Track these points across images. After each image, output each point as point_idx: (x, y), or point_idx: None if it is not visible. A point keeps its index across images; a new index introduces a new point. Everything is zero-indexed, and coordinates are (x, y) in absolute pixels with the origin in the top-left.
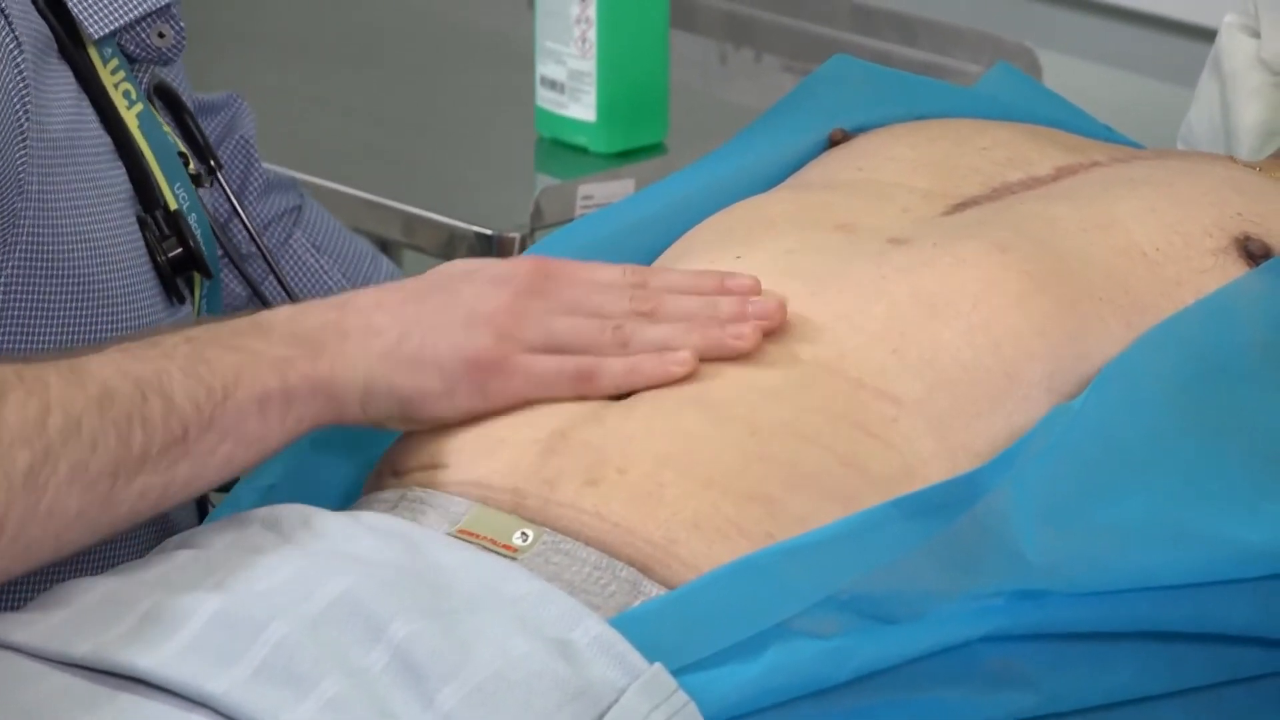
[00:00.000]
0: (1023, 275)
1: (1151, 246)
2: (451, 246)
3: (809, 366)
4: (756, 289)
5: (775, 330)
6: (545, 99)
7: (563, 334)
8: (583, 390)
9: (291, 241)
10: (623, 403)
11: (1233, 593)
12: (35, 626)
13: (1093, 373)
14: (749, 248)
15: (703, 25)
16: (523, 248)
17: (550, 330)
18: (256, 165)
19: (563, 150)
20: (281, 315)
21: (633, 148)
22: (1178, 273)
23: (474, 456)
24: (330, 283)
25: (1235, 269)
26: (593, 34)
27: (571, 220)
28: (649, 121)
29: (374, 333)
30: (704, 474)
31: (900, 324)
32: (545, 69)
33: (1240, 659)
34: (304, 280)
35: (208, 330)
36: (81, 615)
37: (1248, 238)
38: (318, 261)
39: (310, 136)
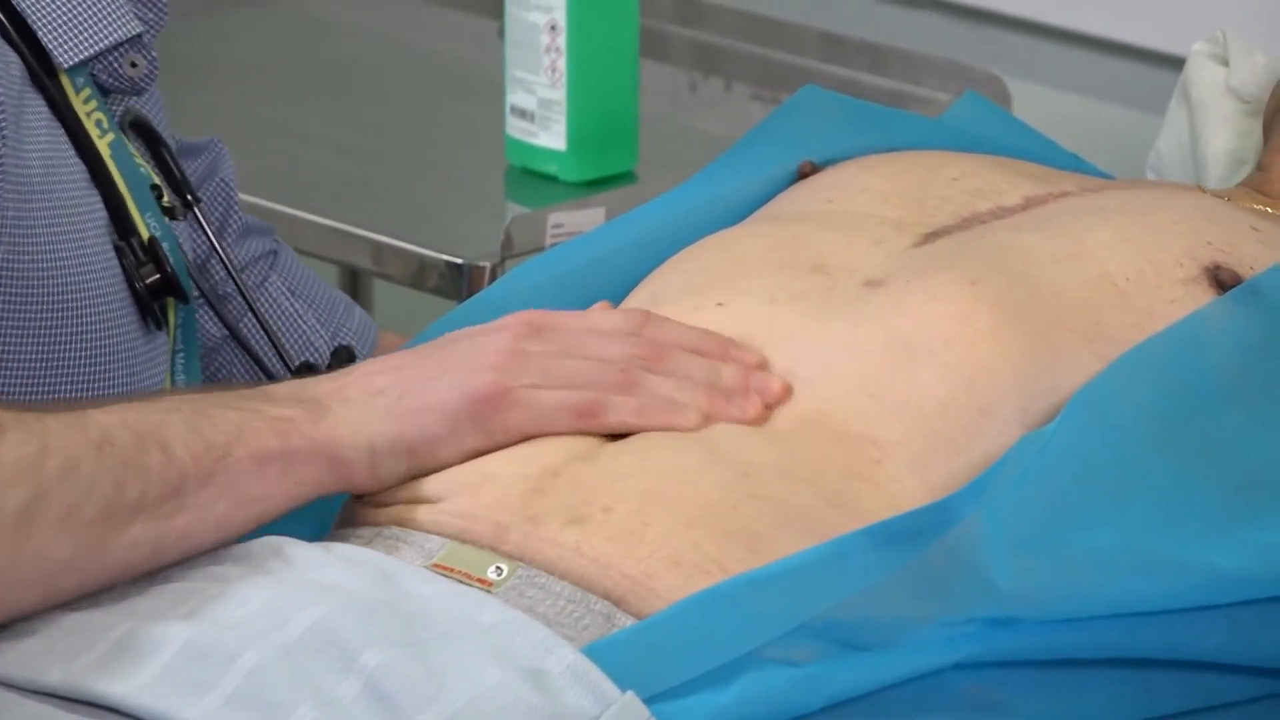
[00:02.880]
0: (994, 308)
1: (1123, 277)
2: (422, 275)
3: (796, 420)
4: (760, 363)
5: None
6: (515, 128)
7: (564, 374)
8: (587, 425)
9: (268, 285)
10: (618, 442)
11: (1205, 619)
12: (4, 655)
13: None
14: (730, 294)
15: (672, 54)
16: (493, 277)
17: (553, 370)
18: (235, 209)
19: (533, 179)
20: (285, 385)
21: (603, 176)
22: (1149, 303)
23: (459, 490)
24: (305, 327)
25: (1206, 298)
26: (562, 63)
27: (542, 249)
28: (619, 150)
29: (375, 392)
30: (689, 513)
31: (877, 372)
32: (515, 98)
33: (1214, 686)
34: (280, 324)
35: (214, 393)
36: (51, 643)
37: (1218, 267)
38: (293, 306)
39: (280, 166)
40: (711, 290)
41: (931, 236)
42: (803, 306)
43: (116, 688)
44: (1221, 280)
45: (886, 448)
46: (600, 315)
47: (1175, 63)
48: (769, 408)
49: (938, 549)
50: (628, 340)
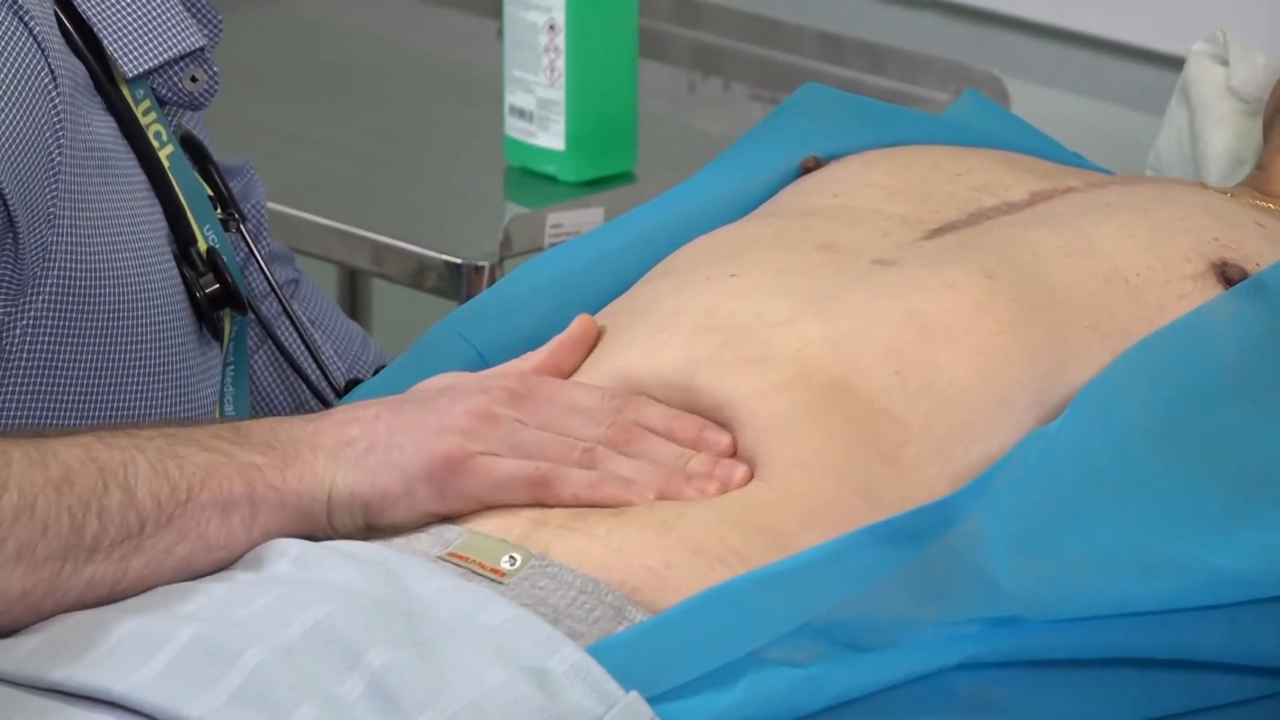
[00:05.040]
0: (1011, 303)
1: (1133, 272)
2: (421, 275)
3: (823, 389)
4: (730, 450)
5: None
6: (514, 128)
7: (530, 446)
8: (540, 497)
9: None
10: None
11: (1206, 619)
12: (8, 653)
13: None
14: (741, 266)
15: (671, 54)
16: (492, 277)
17: (519, 440)
18: (264, 233)
19: (532, 179)
20: (262, 424)
21: (602, 176)
22: (1159, 298)
23: None
24: (323, 357)
25: (1214, 294)
26: (561, 63)
27: (541, 249)
28: (618, 150)
29: (345, 443)
30: (722, 509)
31: (899, 345)
32: (514, 98)
33: (1213, 686)
34: (299, 353)
35: (187, 428)
36: (56, 641)
37: (1225, 263)
38: (312, 336)
39: (279, 167)
40: (722, 263)
41: (938, 232)
42: (813, 276)
43: (120, 684)
44: (1229, 276)
45: (912, 430)
46: (581, 390)
47: (1175, 63)
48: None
49: (939, 548)
50: (601, 419)
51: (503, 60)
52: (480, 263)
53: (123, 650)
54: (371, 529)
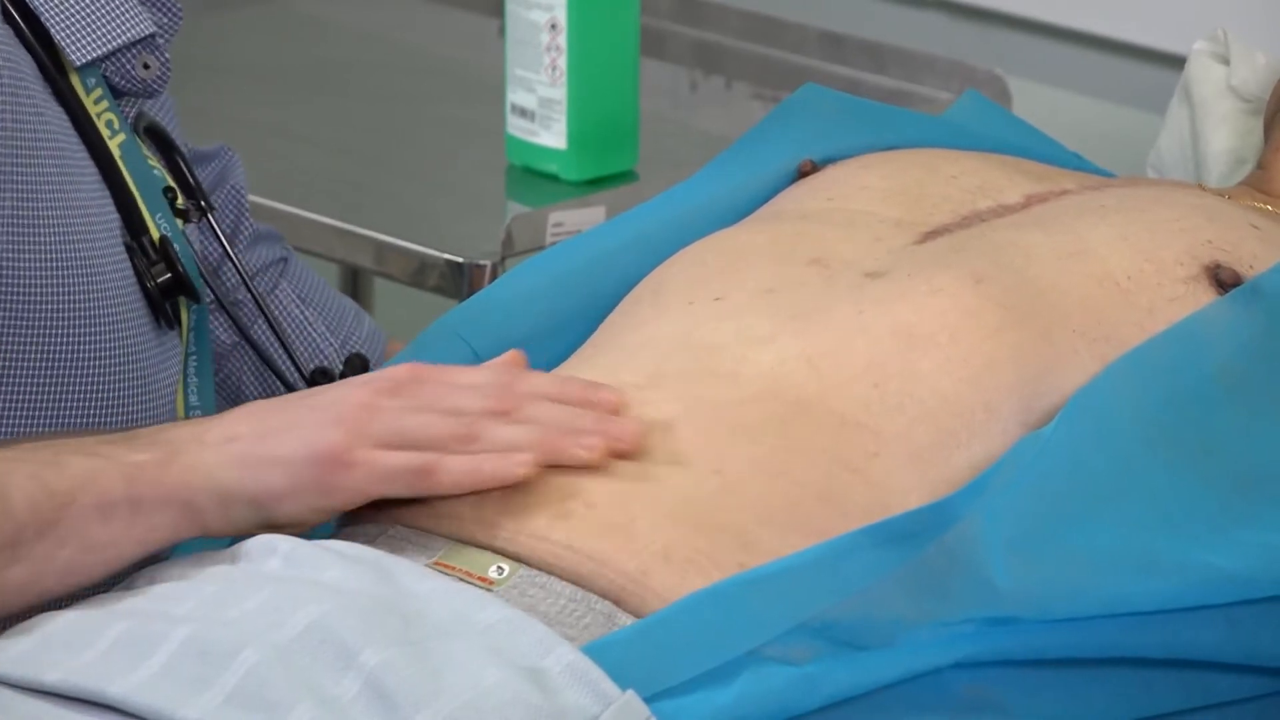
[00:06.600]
0: (999, 308)
1: (1124, 275)
2: (422, 274)
3: (791, 406)
4: (618, 407)
5: (627, 452)
6: (516, 127)
7: (412, 430)
8: (423, 487)
9: (278, 292)
10: None
11: (1203, 619)
12: (3, 654)
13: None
14: (727, 286)
15: (673, 53)
16: (494, 275)
17: (401, 427)
18: (246, 216)
19: (533, 178)
20: (156, 427)
21: (603, 175)
22: (1150, 301)
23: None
24: (315, 334)
25: (1206, 297)
26: (563, 62)
27: (542, 248)
28: (619, 149)
29: (231, 438)
30: (670, 508)
31: (881, 358)
32: (515, 97)
33: (1211, 685)
34: (289, 331)
35: (79, 438)
36: (50, 642)
37: (1218, 266)
38: (303, 313)
39: (280, 166)
40: (709, 283)
41: (932, 235)
42: (802, 293)
43: (116, 686)
44: (1221, 279)
45: (886, 440)
46: (474, 371)
47: (1176, 62)
48: (621, 453)
49: (936, 549)
50: (487, 392)
51: (504, 59)
52: (482, 262)
53: (117, 651)
54: (268, 527)
